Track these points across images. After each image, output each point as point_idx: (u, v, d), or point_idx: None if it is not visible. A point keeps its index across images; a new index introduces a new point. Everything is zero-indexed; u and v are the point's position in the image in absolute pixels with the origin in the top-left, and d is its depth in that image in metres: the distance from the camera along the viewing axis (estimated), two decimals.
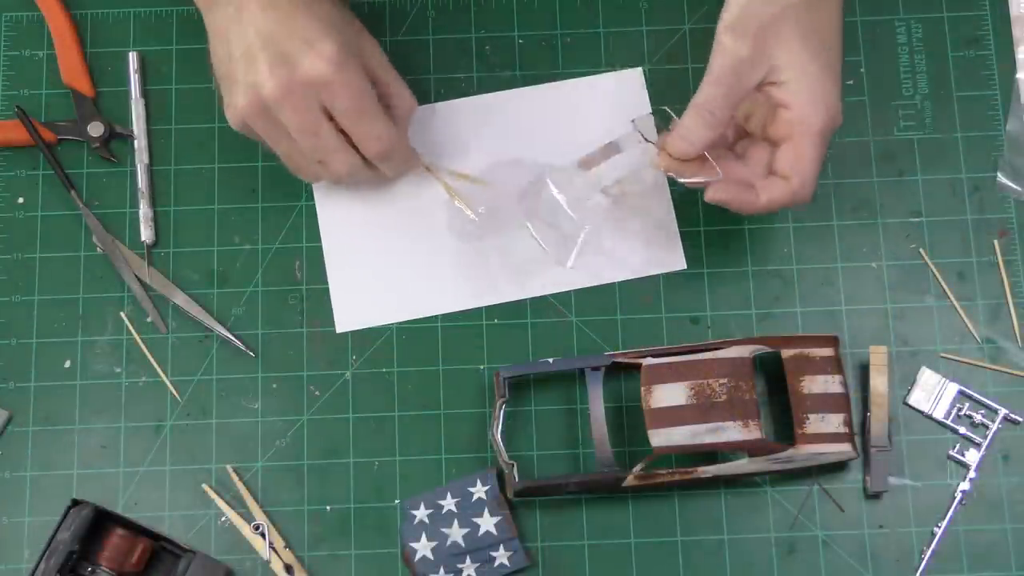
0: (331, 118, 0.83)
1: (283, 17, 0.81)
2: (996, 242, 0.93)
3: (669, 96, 0.95)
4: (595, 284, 0.92)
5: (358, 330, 0.91)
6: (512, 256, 0.93)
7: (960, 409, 0.90)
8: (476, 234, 0.93)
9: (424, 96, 0.95)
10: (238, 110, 0.83)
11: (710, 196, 0.84)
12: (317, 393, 0.91)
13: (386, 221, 0.93)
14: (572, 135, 0.93)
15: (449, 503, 0.88)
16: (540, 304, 0.92)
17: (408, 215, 0.93)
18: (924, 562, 0.88)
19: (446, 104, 0.95)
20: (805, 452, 0.85)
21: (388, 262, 0.93)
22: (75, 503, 0.84)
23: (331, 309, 0.92)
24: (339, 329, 0.92)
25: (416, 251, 0.93)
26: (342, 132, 0.84)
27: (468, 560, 0.87)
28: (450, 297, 0.92)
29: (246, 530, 0.88)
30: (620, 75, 0.96)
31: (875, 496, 0.89)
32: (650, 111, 0.89)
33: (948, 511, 0.88)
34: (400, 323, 0.92)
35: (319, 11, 0.82)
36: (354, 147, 0.85)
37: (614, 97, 0.95)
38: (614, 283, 0.92)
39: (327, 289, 0.92)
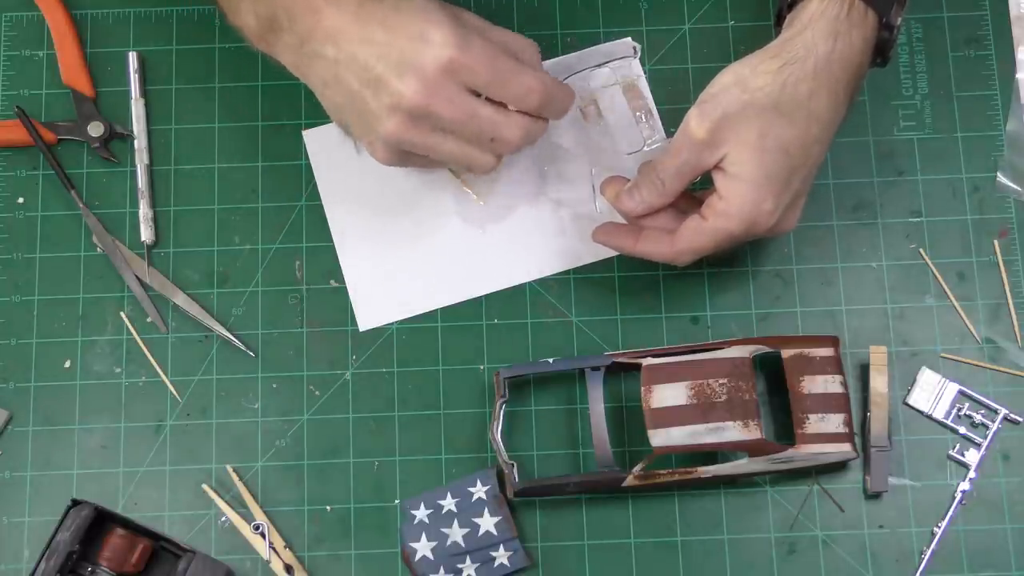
0: (478, 95, 0.81)
1: (384, 31, 0.79)
2: (996, 242, 0.93)
3: (669, 96, 0.95)
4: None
5: (359, 330, 0.91)
6: (526, 235, 0.93)
7: (960, 409, 0.90)
8: (488, 218, 0.93)
9: None
10: (388, 135, 0.81)
11: (594, 236, 0.89)
12: (317, 393, 0.91)
13: (395, 213, 0.93)
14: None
15: (449, 503, 0.88)
16: (540, 304, 0.92)
17: (417, 205, 0.93)
18: (924, 562, 0.88)
19: None
20: (805, 452, 0.85)
21: (402, 255, 0.93)
22: (75, 503, 0.84)
23: (331, 309, 0.92)
24: (362, 328, 0.92)
25: (429, 241, 0.93)
26: (495, 104, 0.82)
27: (468, 560, 0.87)
28: (469, 284, 0.92)
29: (246, 530, 0.88)
30: (613, 45, 0.96)
31: (875, 496, 0.89)
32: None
33: (948, 511, 0.88)
34: (400, 323, 0.92)
35: (414, 7, 0.80)
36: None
37: (607, 51, 0.95)
38: (614, 283, 0.92)
39: (327, 289, 0.92)
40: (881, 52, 0.84)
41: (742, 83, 0.81)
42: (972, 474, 0.89)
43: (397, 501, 0.89)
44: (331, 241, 0.93)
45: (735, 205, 0.82)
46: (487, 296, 0.92)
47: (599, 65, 0.91)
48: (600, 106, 0.93)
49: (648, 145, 0.91)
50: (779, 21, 0.86)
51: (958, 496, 0.89)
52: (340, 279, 0.93)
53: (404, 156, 0.84)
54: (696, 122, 0.81)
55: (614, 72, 0.92)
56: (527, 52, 0.86)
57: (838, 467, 0.89)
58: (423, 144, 0.82)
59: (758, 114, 0.80)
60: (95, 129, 0.94)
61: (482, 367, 0.91)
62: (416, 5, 0.80)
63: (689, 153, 0.82)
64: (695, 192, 0.87)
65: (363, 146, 0.85)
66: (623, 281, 0.93)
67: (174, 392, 0.91)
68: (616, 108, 0.93)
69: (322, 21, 0.79)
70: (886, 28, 0.82)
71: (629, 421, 0.90)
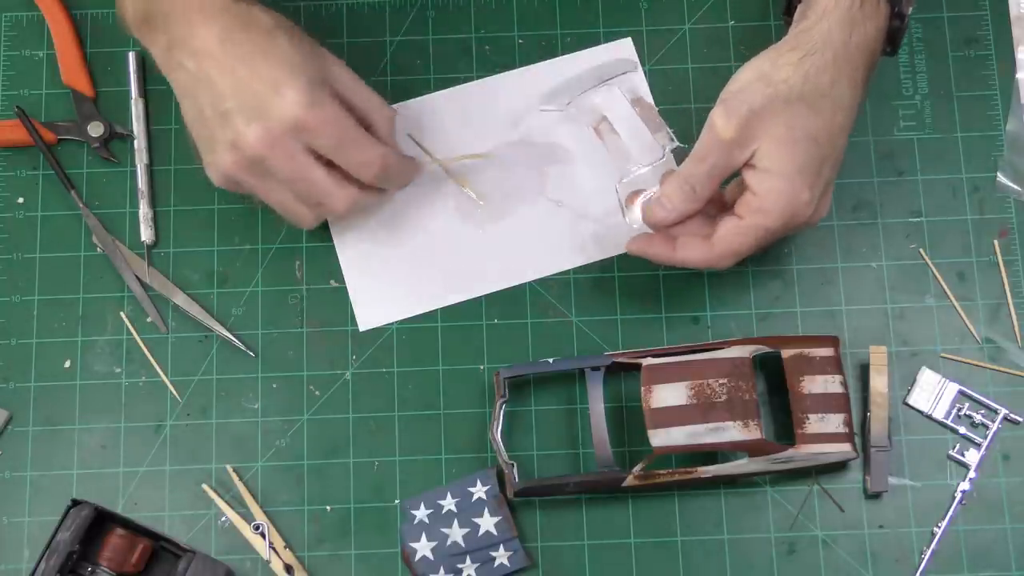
0: (319, 156, 0.82)
1: (244, 68, 0.80)
2: (996, 242, 0.93)
3: (669, 96, 0.95)
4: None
5: (359, 330, 0.91)
6: (526, 235, 0.93)
7: (960, 409, 0.90)
8: (488, 218, 0.93)
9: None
10: (223, 168, 0.82)
11: (628, 247, 0.88)
12: (317, 393, 0.91)
13: (396, 214, 0.93)
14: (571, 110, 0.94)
15: (449, 503, 0.88)
16: (540, 304, 0.92)
17: (417, 205, 0.93)
18: (924, 562, 0.88)
19: (444, 93, 0.95)
20: (805, 452, 0.85)
21: (402, 255, 0.93)
22: (75, 503, 0.84)
23: (331, 309, 0.92)
24: (362, 328, 0.92)
25: (429, 241, 0.93)
26: (332, 167, 0.83)
27: (468, 560, 0.87)
28: (469, 284, 0.92)
29: (246, 530, 0.88)
30: (610, 46, 0.96)
31: (875, 496, 0.89)
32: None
33: (948, 511, 0.88)
34: (400, 323, 0.92)
35: (279, 52, 0.81)
36: (348, 178, 0.85)
37: (608, 68, 0.95)
38: (614, 283, 0.92)
39: (327, 289, 0.92)
40: (891, 41, 0.84)
41: (765, 77, 0.81)
42: (972, 474, 0.89)
43: (397, 501, 0.89)
44: (331, 241, 0.93)
45: (771, 200, 0.82)
46: (487, 296, 0.92)
47: (602, 83, 0.91)
48: (611, 122, 0.92)
49: (667, 152, 0.90)
50: (788, 11, 0.86)
51: (958, 496, 0.89)
52: (340, 279, 0.93)
53: (236, 185, 0.85)
54: (723, 121, 0.81)
55: (619, 87, 0.92)
56: (382, 122, 0.87)
57: (838, 467, 0.89)
58: (254, 185, 0.84)
59: (784, 106, 0.80)
60: (95, 129, 0.94)
61: (482, 367, 0.91)
62: (280, 51, 0.81)
63: (719, 154, 0.82)
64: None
65: (203, 163, 0.85)
66: (623, 281, 0.93)
67: (174, 392, 0.91)
68: (627, 122, 0.92)
69: (193, 36, 0.80)
70: (897, 17, 0.83)
71: (629, 421, 0.90)
